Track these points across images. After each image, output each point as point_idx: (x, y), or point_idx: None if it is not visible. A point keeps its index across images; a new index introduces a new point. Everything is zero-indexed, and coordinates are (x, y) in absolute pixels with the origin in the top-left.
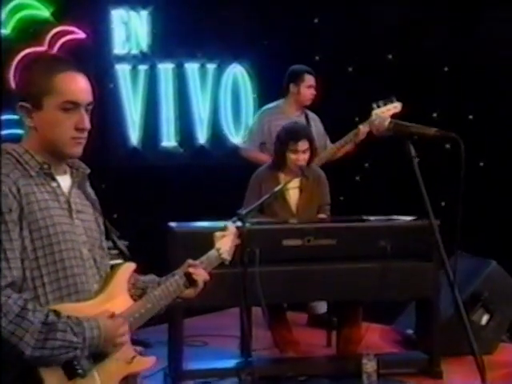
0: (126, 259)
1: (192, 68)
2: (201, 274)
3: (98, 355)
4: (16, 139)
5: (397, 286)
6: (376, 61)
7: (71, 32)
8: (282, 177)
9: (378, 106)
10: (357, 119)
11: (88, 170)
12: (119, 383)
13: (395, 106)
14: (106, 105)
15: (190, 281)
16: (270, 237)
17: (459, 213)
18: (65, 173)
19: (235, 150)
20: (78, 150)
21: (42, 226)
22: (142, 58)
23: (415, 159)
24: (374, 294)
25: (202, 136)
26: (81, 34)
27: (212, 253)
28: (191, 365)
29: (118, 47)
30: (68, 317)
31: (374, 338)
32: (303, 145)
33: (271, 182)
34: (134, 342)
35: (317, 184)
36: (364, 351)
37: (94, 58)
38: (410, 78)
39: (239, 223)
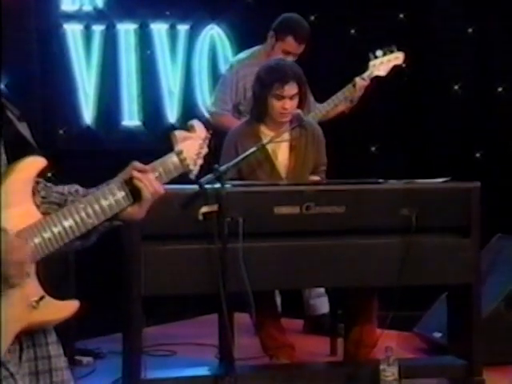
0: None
1: (159, 29)
2: (149, 183)
3: None
4: None
5: (423, 269)
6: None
7: None
8: (265, 131)
9: (376, 57)
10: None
11: None
12: (20, 335)
13: (397, 57)
14: (51, 75)
15: (134, 192)
16: (258, 203)
17: None
18: None
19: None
20: None
21: None
22: (97, 16)
23: None
24: (393, 279)
25: (171, 113)
26: None
27: (170, 157)
28: (154, 374)
29: (67, 2)
30: None
31: (391, 345)
32: (291, 89)
33: (250, 139)
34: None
35: (311, 141)
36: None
37: (35, 16)
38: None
39: (216, 183)
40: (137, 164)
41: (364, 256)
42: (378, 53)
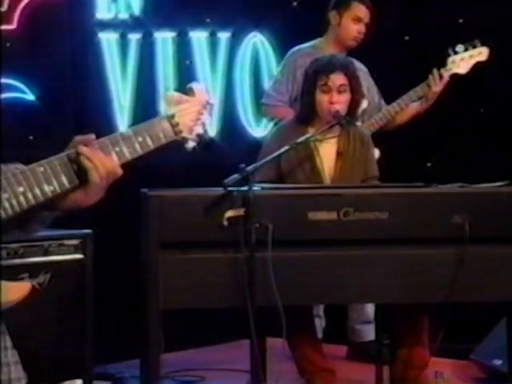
0: None
1: (198, 38)
2: (99, 162)
3: None
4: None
5: (478, 284)
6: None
7: None
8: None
9: (456, 52)
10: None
11: None
12: None
13: (480, 52)
14: (85, 86)
15: (80, 172)
16: (290, 207)
17: None
18: None
19: (255, 145)
20: None
21: None
22: (133, 24)
23: None
24: (445, 295)
25: (210, 127)
26: None
27: (159, 120)
28: None
29: (102, 10)
30: None
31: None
32: (337, 78)
33: (296, 139)
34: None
35: (360, 146)
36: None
37: (70, 24)
38: None
39: (243, 186)
40: (82, 136)
41: (410, 269)
42: (459, 48)
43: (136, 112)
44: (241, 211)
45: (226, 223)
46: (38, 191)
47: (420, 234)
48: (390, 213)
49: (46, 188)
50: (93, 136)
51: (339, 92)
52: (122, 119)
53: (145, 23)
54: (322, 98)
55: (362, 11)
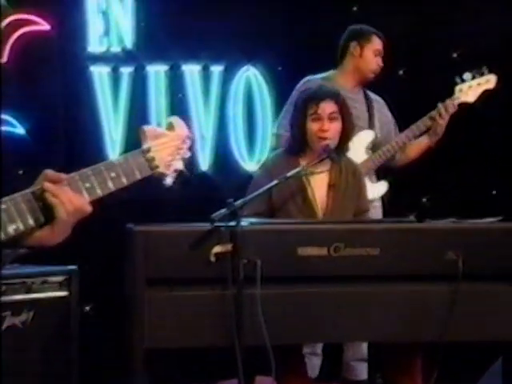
0: None
1: (191, 71)
2: (66, 199)
3: None
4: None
5: (472, 323)
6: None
7: (32, 22)
8: (304, 164)
9: (464, 81)
10: None
11: None
12: None
13: (488, 80)
14: (76, 119)
15: (45, 209)
16: (279, 243)
17: None
18: None
19: (248, 179)
20: None
21: None
22: (126, 57)
23: None
24: (438, 334)
25: (203, 161)
26: (44, 26)
27: (133, 155)
28: None
29: (94, 43)
30: None
31: None
32: (328, 106)
33: (287, 171)
34: None
35: (352, 179)
36: None
37: (61, 58)
38: None
39: (231, 221)
40: (50, 172)
41: (402, 307)
42: (466, 76)
43: (128, 146)
44: (228, 247)
45: (213, 259)
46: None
47: (412, 270)
48: (382, 249)
49: (9, 227)
50: (63, 176)
51: (330, 120)
52: (114, 153)
53: (137, 56)
54: (312, 127)
55: (380, 45)
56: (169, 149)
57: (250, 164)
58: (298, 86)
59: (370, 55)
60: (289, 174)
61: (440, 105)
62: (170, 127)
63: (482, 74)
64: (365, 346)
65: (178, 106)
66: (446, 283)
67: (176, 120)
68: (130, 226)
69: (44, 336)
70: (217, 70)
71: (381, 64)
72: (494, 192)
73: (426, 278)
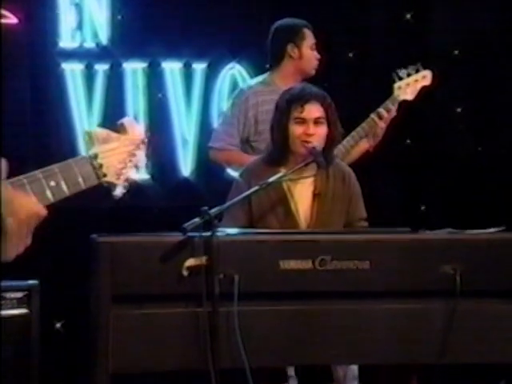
0: None
1: (171, 69)
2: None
3: None
4: None
5: (471, 342)
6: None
7: None
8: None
9: (400, 78)
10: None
11: None
12: None
13: (424, 76)
14: (47, 121)
15: None
16: (259, 255)
17: None
18: None
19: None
20: None
21: None
22: (100, 53)
23: None
24: (435, 355)
25: (185, 166)
26: (12, 19)
27: (77, 161)
28: None
29: (66, 38)
30: None
31: None
32: (312, 109)
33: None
34: None
35: (341, 186)
36: None
37: (30, 54)
38: None
39: (206, 231)
40: None
41: (395, 325)
42: (402, 73)
43: None
44: (203, 260)
45: (185, 273)
46: None
47: (405, 286)
48: (372, 262)
49: None
50: None
51: (315, 124)
52: None
53: (113, 53)
54: (296, 130)
55: (312, 36)
56: (120, 155)
57: (235, 170)
58: (236, 94)
59: (309, 53)
60: (270, 180)
61: (379, 109)
62: (122, 130)
63: (417, 71)
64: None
65: (157, 106)
66: (442, 300)
67: (129, 121)
68: (93, 236)
69: (2, 358)
70: (199, 67)
71: (318, 56)
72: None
73: (420, 294)
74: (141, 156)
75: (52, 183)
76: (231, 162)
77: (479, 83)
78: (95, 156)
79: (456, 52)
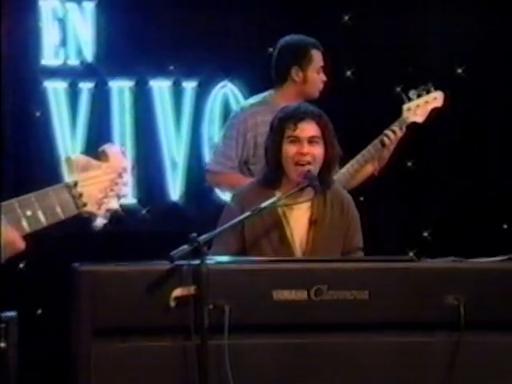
0: None
1: (160, 87)
2: None
3: None
4: None
5: (477, 378)
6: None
7: None
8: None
9: (410, 99)
10: None
11: None
12: None
13: (435, 98)
14: (28, 142)
15: None
16: (251, 285)
17: None
18: None
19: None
20: None
21: None
22: (85, 71)
23: None
24: None
25: (174, 189)
26: None
27: (56, 190)
28: None
29: (49, 56)
30: None
31: None
32: (307, 128)
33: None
34: None
35: (339, 213)
36: None
37: (10, 71)
38: None
39: (194, 260)
40: None
41: (395, 359)
42: (411, 93)
43: None
44: (191, 289)
45: (173, 304)
46: None
47: (406, 317)
48: (371, 292)
49: None
50: None
51: (310, 143)
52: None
53: (98, 70)
54: (289, 150)
55: (321, 58)
56: (101, 184)
57: (227, 193)
58: (234, 115)
59: (314, 77)
60: (263, 205)
61: (387, 131)
62: (104, 157)
63: (428, 92)
64: None
65: (144, 126)
66: (445, 332)
67: (111, 148)
68: (75, 265)
69: None
70: (189, 85)
71: (324, 78)
72: (505, 226)
73: (422, 326)
74: (123, 185)
75: (28, 213)
76: (230, 186)
77: (482, 101)
78: (75, 184)
79: (459, 70)
